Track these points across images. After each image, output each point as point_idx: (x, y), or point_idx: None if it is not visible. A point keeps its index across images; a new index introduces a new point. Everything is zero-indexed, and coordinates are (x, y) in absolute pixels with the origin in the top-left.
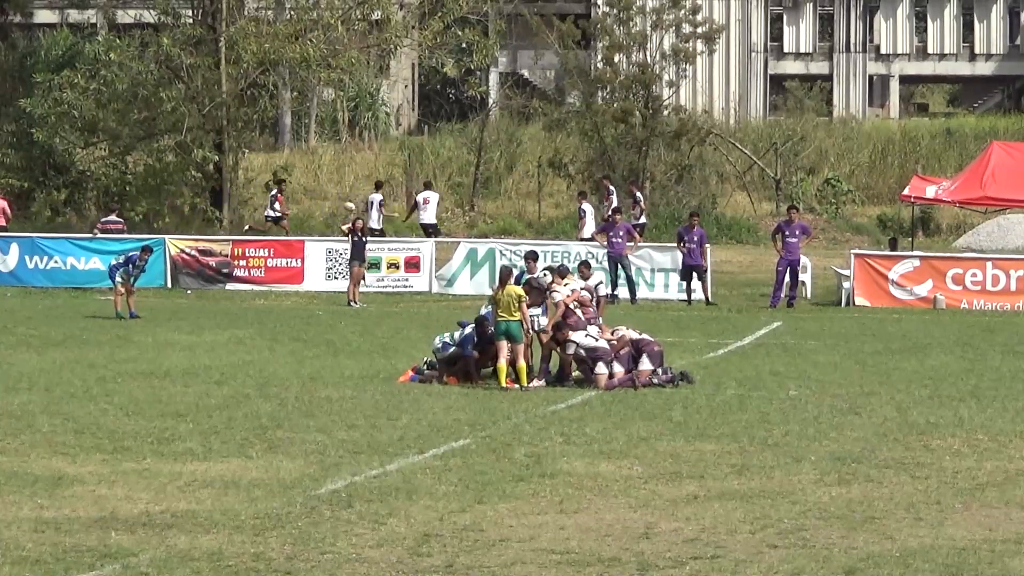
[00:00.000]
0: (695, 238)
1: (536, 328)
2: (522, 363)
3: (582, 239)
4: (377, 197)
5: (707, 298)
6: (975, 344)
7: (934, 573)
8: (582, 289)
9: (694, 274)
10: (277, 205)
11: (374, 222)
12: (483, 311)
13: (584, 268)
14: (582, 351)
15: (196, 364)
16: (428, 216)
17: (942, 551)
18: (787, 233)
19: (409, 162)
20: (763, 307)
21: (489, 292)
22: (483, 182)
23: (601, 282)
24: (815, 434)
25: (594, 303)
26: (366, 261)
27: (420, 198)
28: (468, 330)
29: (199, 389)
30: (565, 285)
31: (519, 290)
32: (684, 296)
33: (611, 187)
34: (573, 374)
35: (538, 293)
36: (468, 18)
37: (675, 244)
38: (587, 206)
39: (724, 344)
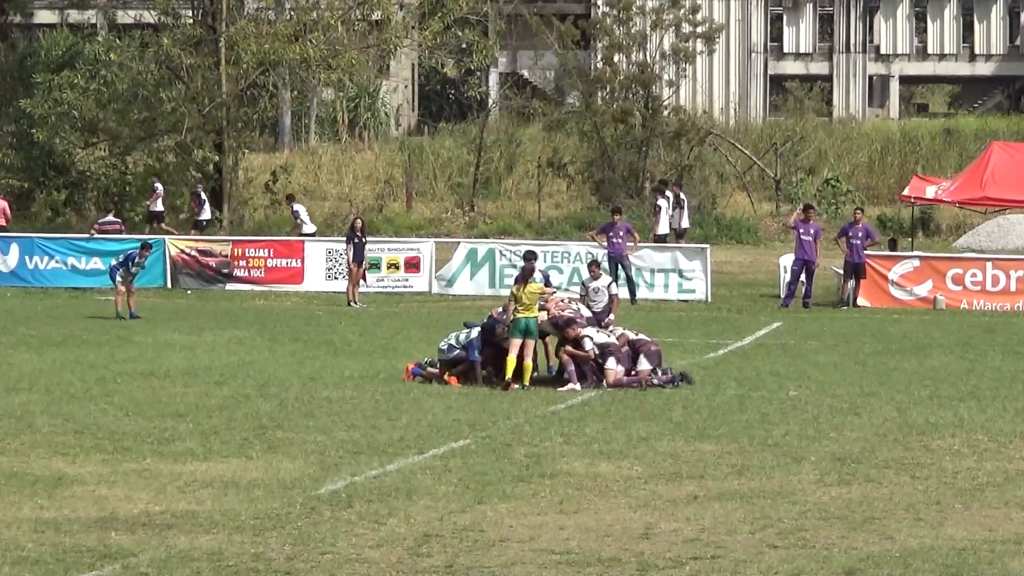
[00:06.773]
0: (860, 233)
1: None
2: (528, 362)
3: (656, 236)
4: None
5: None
6: (975, 344)
7: (934, 573)
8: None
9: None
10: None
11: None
12: (497, 314)
13: (594, 267)
14: (595, 347)
15: (196, 364)
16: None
17: (942, 551)
18: (802, 232)
19: (409, 162)
20: (763, 307)
21: (489, 292)
22: (483, 182)
23: (613, 282)
24: (815, 434)
25: (607, 302)
26: (366, 261)
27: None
28: (474, 333)
29: (199, 389)
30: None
31: (541, 287)
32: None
33: None
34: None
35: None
36: (468, 18)
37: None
38: (662, 201)
39: (724, 344)
